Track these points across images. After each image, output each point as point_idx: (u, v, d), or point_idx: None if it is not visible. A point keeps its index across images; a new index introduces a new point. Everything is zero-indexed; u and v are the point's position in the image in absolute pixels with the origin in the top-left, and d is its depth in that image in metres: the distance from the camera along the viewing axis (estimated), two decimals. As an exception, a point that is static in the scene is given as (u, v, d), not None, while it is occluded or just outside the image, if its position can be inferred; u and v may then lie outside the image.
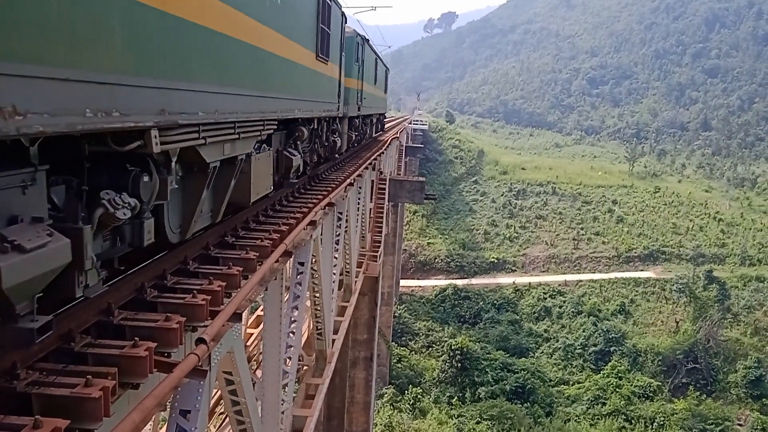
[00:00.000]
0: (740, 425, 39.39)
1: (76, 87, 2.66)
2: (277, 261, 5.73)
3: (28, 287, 2.66)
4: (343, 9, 12.15)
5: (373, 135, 25.35)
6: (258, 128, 6.13)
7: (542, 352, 45.94)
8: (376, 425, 31.95)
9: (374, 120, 24.75)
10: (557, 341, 46.64)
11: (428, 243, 57.97)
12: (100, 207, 3.41)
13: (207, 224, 5.63)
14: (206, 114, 4.37)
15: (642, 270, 54.46)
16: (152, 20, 3.43)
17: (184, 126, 4.05)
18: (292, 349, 7.09)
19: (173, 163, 4.30)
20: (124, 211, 3.57)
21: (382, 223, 18.40)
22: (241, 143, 5.71)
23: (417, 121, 75.65)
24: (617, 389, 40.75)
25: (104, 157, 3.55)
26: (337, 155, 14.21)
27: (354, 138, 17.08)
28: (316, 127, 10.73)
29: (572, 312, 49.08)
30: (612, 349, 44.88)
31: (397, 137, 37.08)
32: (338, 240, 11.08)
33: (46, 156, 2.93)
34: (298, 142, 9.19)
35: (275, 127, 6.98)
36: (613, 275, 53.32)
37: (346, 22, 13.03)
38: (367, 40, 17.72)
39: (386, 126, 36.56)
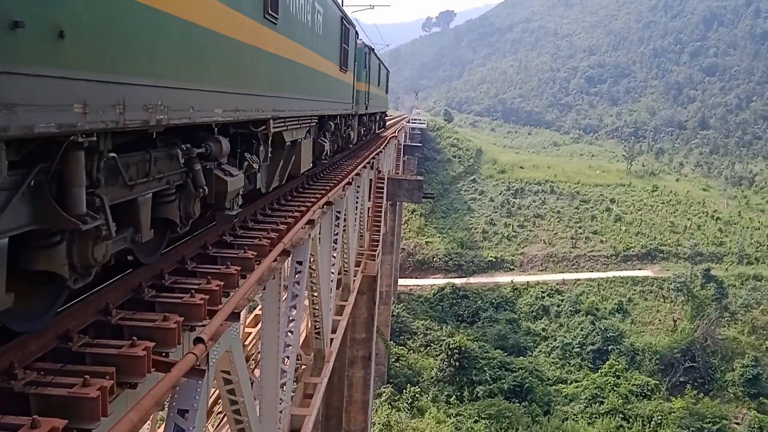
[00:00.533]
0: (737, 424, 39.45)
1: (252, 97, 5.57)
2: (275, 260, 5.74)
3: (232, 194, 5.22)
4: (356, 29, 15.17)
5: (377, 131, 27.86)
6: (308, 121, 9.06)
7: (540, 351, 45.97)
8: (375, 424, 31.96)
9: (377, 117, 27.52)
10: (555, 340, 46.66)
11: (426, 242, 57.95)
12: (246, 160, 5.98)
13: (277, 184, 8.02)
14: (289, 111, 7.32)
15: (640, 269, 54.49)
16: (276, 60, 6.52)
17: (280, 118, 6.94)
18: (290, 348, 7.10)
19: (269, 141, 6.81)
20: (255, 165, 6.20)
21: (380, 222, 18.43)
22: (300, 131, 8.55)
23: (415, 119, 75.46)
24: (615, 388, 40.77)
25: (243, 135, 6.03)
26: (350, 145, 17.13)
27: (362, 132, 20.11)
28: (338, 122, 13.52)
29: (570, 311, 49.09)
30: (610, 347, 44.91)
31: (395, 136, 37.09)
32: (336, 239, 11.09)
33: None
34: (327, 133, 11.90)
35: (316, 121, 10.11)
36: (611, 274, 53.34)
37: (358, 38, 15.96)
38: (372, 49, 20.68)
39: (387, 123, 37.27)
